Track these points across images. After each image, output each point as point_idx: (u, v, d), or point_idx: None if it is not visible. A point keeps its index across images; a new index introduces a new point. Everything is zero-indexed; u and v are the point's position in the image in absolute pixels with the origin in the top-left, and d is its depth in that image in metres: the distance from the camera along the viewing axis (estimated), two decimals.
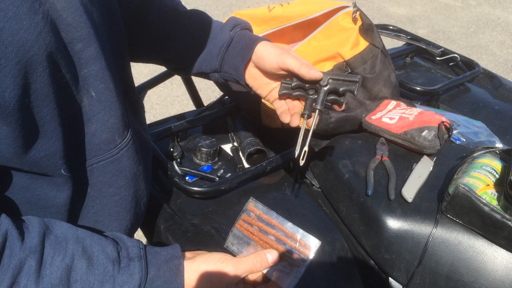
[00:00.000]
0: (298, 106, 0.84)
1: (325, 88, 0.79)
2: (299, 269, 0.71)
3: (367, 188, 0.98)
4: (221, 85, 1.27)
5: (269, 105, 1.16)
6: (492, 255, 0.88)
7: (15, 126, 0.55)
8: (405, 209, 0.95)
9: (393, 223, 0.94)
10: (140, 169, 0.78)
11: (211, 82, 3.09)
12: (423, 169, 1.02)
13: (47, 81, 0.56)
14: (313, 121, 0.79)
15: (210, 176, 1.01)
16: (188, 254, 0.70)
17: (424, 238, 0.92)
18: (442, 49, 1.57)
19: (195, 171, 1.02)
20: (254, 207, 0.74)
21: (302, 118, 0.81)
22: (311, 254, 0.72)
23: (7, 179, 0.62)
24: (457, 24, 4.92)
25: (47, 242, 0.59)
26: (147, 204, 0.84)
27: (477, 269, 0.89)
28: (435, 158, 1.06)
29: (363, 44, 1.19)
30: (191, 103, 1.54)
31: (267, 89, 0.86)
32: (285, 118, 0.82)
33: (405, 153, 1.09)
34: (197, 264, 0.68)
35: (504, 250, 0.88)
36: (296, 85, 0.81)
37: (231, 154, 1.13)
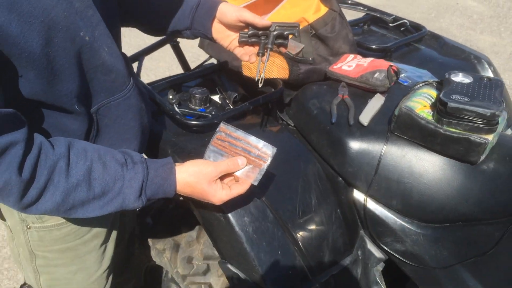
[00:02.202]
0: (253, 50, 1.09)
1: (274, 33, 1.05)
2: (262, 168, 0.94)
3: (332, 117, 1.22)
4: (207, 48, 1.49)
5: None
6: (431, 160, 1.12)
7: (40, 70, 0.74)
8: (362, 132, 1.18)
9: (354, 144, 1.18)
10: (143, 106, 0.99)
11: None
12: (376, 102, 1.26)
13: (65, 37, 0.75)
14: (266, 56, 1.06)
15: (205, 114, 1.23)
16: (178, 164, 0.92)
17: (378, 153, 1.16)
18: (394, 16, 1.82)
19: (192, 111, 1.24)
20: (225, 128, 0.96)
21: (257, 57, 1.07)
22: (270, 157, 0.94)
23: (37, 109, 0.82)
24: (419, 11, 5.25)
25: (72, 151, 0.79)
26: (148, 135, 1.05)
27: (420, 172, 1.13)
28: (386, 95, 1.30)
29: (323, 9, 1.43)
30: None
31: (228, 40, 1.10)
32: (245, 58, 1.08)
33: (362, 93, 1.33)
34: (186, 167, 0.89)
35: (440, 156, 1.12)
36: (252, 33, 1.05)
37: (220, 102, 1.35)
